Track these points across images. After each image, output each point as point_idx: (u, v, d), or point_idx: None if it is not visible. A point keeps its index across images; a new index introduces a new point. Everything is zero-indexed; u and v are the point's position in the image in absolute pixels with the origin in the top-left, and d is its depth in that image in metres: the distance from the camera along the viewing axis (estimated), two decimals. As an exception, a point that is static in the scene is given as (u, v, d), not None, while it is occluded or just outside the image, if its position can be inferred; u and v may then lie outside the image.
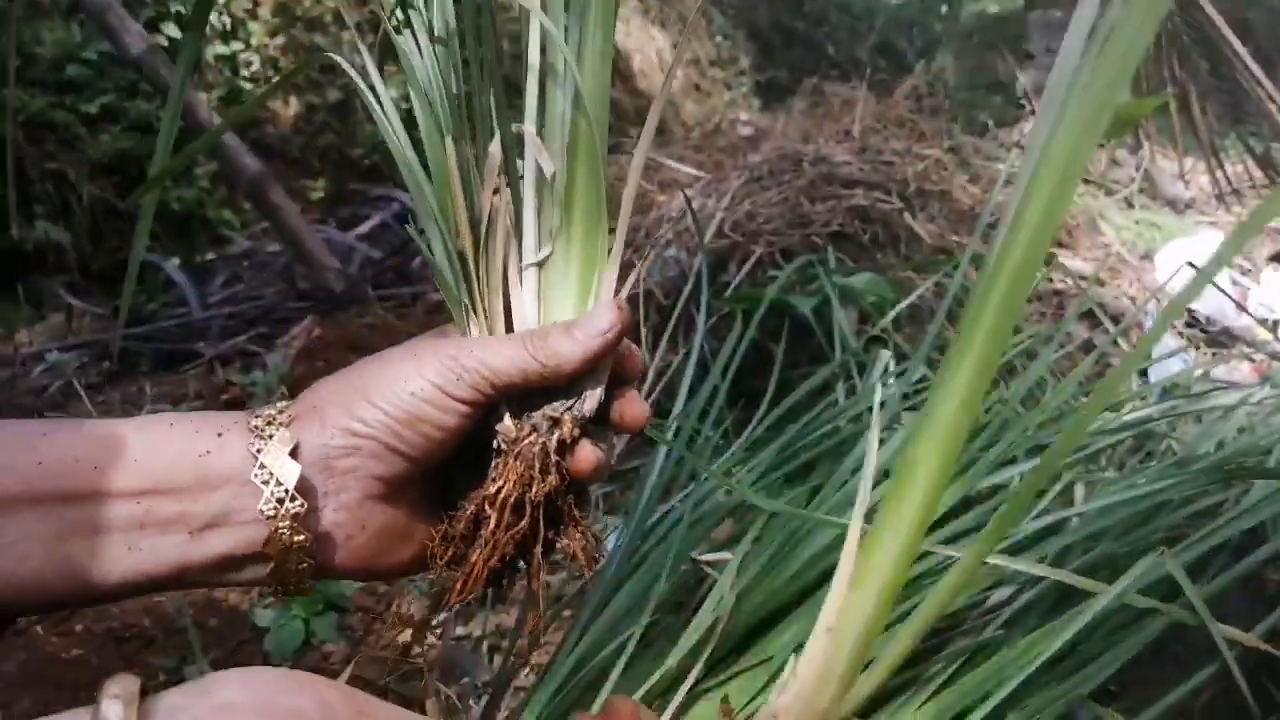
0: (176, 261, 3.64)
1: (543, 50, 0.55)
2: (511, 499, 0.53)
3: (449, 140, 0.57)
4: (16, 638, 1.24)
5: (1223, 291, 1.75)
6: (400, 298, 2.54)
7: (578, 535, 0.56)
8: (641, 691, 0.70)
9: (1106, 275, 2.29)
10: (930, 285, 1.67)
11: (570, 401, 0.54)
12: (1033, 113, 3.60)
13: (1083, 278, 2.22)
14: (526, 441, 0.53)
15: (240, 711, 0.34)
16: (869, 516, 0.35)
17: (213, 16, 4.75)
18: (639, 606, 0.79)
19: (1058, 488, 0.98)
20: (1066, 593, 0.82)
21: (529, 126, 0.56)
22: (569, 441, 0.54)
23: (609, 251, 0.57)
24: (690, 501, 0.92)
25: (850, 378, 1.37)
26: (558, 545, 0.57)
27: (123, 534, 0.49)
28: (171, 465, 0.50)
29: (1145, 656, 0.90)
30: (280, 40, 4.95)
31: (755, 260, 1.81)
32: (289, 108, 5.02)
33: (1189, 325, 2.10)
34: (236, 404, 2.12)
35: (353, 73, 0.58)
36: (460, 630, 1.18)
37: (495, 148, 0.57)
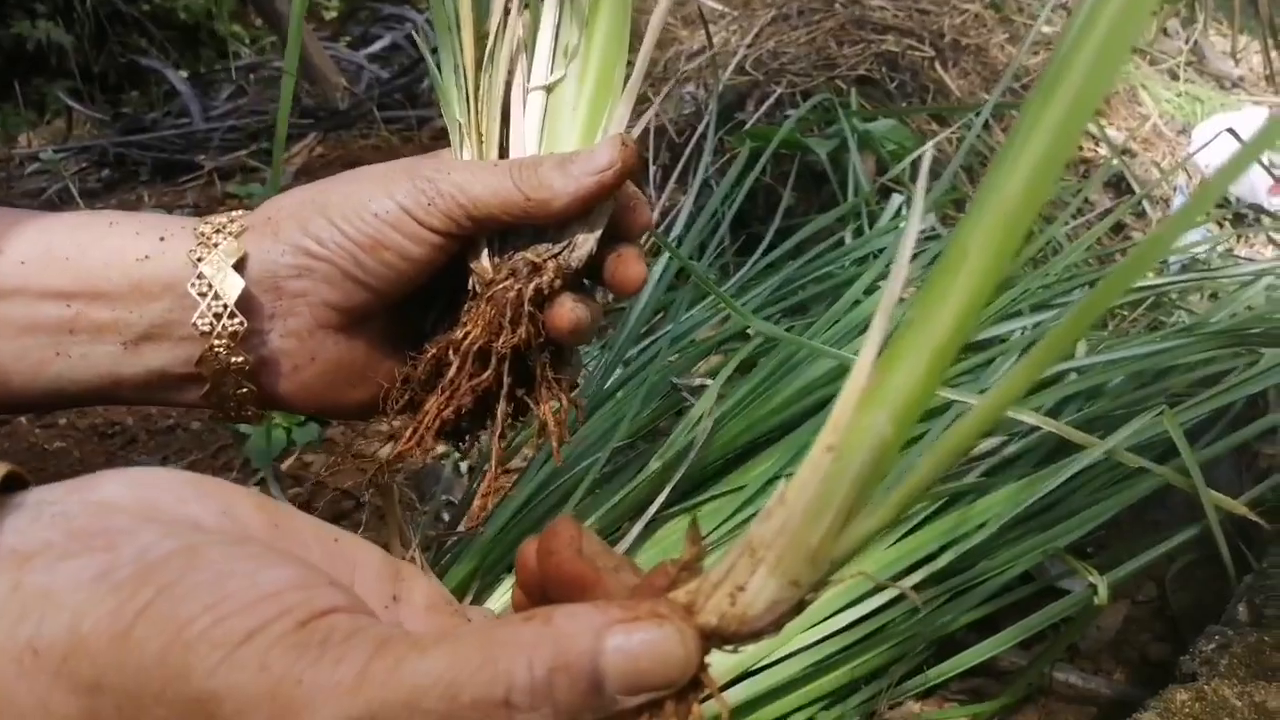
0: (184, 73, 3.52)
1: None
2: (476, 346, 0.48)
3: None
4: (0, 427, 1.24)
5: (1264, 166, 1.67)
6: (406, 120, 2.45)
7: (550, 399, 0.51)
8: (601, 512, 0.68)
9: (1140, 146, 2.20)
10: (952, 136, 1.59)
11: (557, 247, 0.48)
12: (1085, -28, 3.39)
13: (1113, 146, 2.13)
14: (501, 285, 0.48)
15: (117, 512, 0.30)
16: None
17: None
18: (612, 430, 0.77)
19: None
20: (1057, 448, 0.80)
21: None
22: (547, 292, 0.48)
23: (624, 82, 0.51)
24: (673, 335, 0.89)
25: (859, 223, 1.32)
26: (529, 407, 0.52)
27: (50, 337, 0.46)
28: (105, 267, 0.46)
29: (1125, 518, 0.89)
30: None
31: (775, 100, 1.73)
32: (303, -83, 4.78)
33: (1217, 204, 2.03)
34: (233, 217, 2.09)
35: None
36: (441, 448, 1.17)
37: None
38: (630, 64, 0.51)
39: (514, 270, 0.48)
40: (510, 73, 0.51)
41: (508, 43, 0.51)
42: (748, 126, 1.66)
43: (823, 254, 1.11)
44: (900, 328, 0.27)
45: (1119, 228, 1.79)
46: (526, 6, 0.51)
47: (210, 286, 0.45)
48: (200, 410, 1.29)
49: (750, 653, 0.58)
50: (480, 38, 0.51)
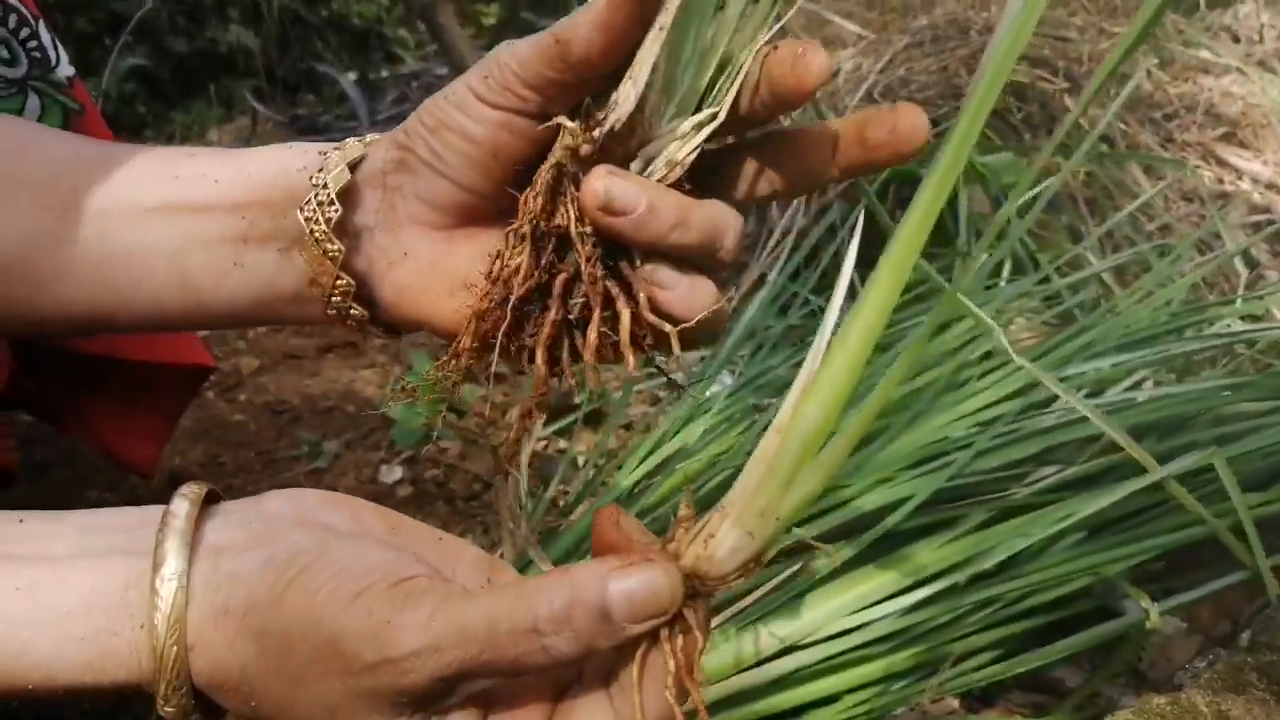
0: (352, 76, 3.80)
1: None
2: (522, 229, 0.44)
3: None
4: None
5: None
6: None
7: (595, 308, 0.43)
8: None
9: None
10: (1078, 175, 1.62)
11: (600, 111, 0.42)
12: (1249, -6, 3.26)
13: (1257, 181, 2.08)
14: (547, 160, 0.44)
15: (281, 519, 0.43)
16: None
17: None
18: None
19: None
20: (1118, 475, 0.85)
21: None
22: (571, 155, 0.42)
23: None
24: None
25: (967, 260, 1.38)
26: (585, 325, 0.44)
27: (231, 248, 0.51)
28: (273, 179, 0.51)
29: (1204, 550, 0.92)
30: None
31: (899, 128, 1.79)
32: (469, -69, 5.05)
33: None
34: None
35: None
36: (563, 444, 1.30)
37: None
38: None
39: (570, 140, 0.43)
40: None
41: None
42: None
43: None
44: (831, 341, 0.37)
45: (1252, 265, 1.76)
46: None
47: (325, 179, 0.50)
48: (356, 398, 1.46)
49: (797, 628, 0.68)
50: None
